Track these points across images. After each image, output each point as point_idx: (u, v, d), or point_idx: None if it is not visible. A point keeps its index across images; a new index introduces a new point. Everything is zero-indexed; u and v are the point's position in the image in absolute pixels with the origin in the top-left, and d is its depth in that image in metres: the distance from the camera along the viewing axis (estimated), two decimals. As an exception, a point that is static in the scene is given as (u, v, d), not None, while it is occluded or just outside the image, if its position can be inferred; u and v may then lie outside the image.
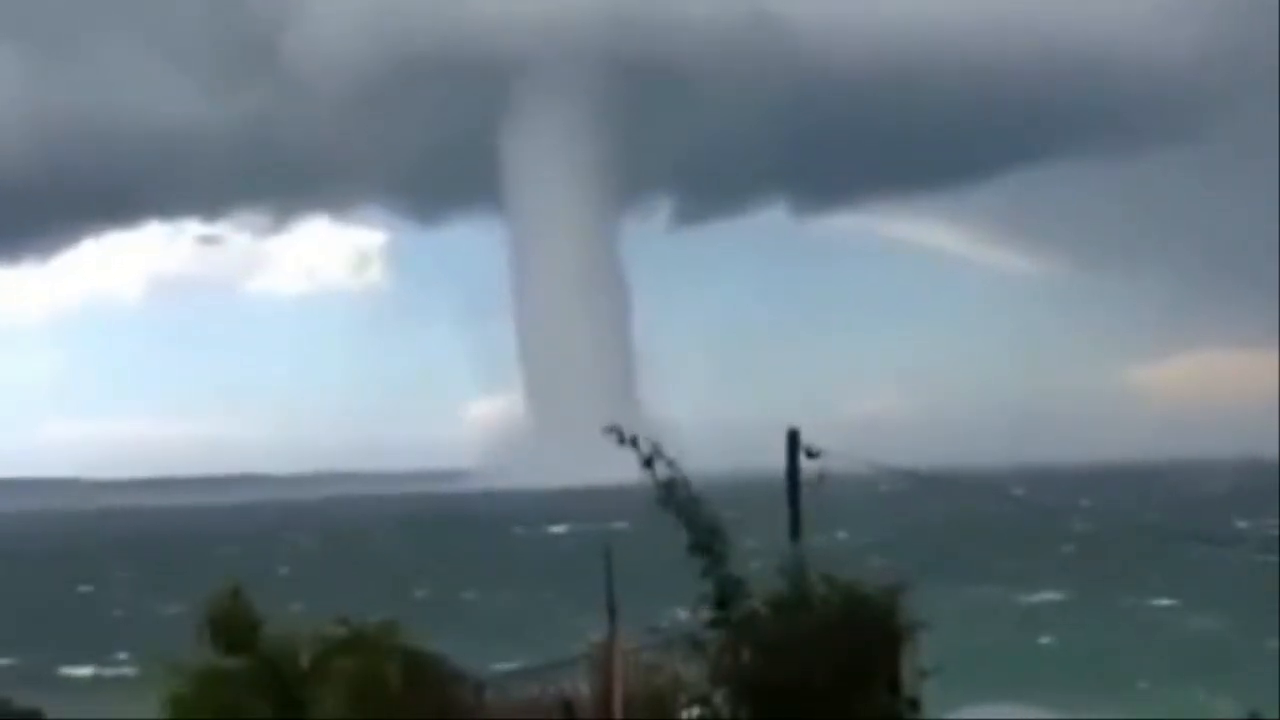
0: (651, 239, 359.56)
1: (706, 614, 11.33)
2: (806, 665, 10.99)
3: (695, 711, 11.67)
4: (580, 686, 12.88)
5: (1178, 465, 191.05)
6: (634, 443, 11.12)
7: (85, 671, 47.54)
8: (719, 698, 11.31)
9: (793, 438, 12.65)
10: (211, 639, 11.39)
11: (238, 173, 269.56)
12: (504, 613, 56.72)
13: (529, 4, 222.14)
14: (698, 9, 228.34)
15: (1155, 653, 42.84)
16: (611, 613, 12.43)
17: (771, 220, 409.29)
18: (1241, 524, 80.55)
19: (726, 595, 11.22)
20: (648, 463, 11.22)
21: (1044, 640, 47.40)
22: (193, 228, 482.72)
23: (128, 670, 44.13)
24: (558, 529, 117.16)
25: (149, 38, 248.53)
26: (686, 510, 11.30)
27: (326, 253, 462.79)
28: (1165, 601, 54.68)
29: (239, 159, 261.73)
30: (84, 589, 78.97)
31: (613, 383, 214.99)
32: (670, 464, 11.36)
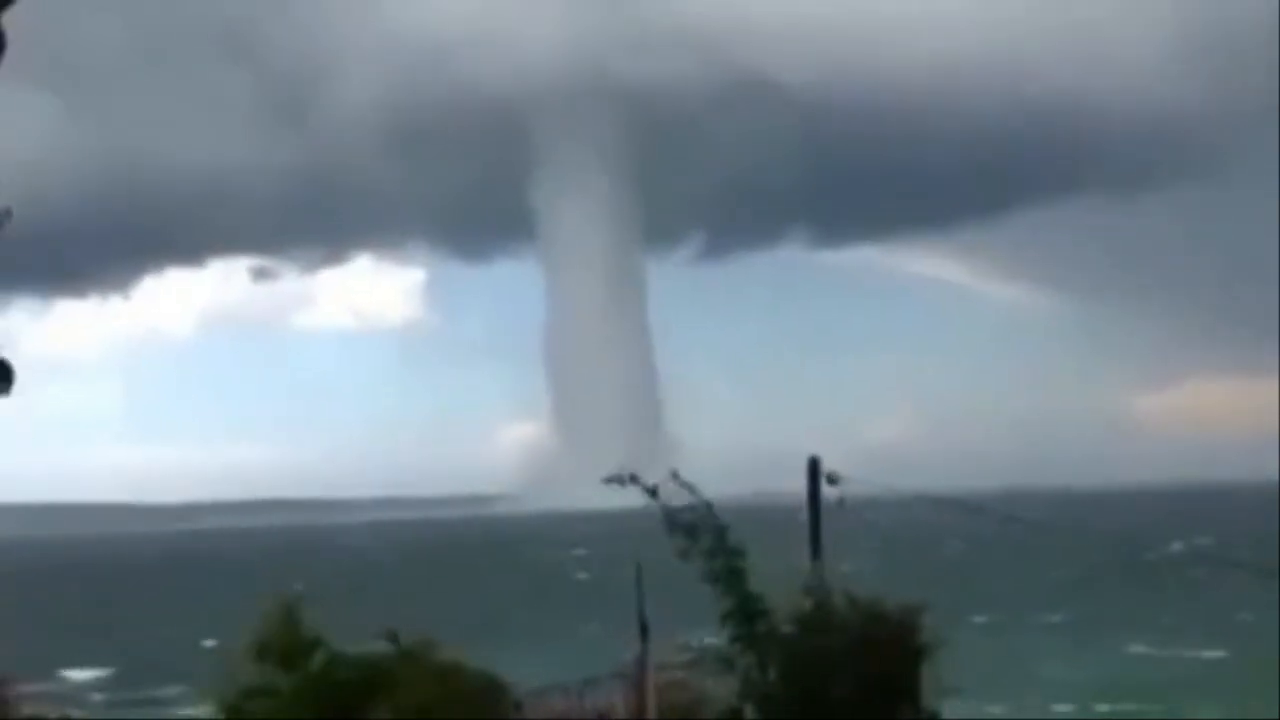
0: (678, 273, 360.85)
1: (731, 631, 11.23)
2: (830, 681, 10.86)
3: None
4: (614, 702, 12.77)
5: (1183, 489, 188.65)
6: (633, 480, 11.21)
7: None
8: (747, 712, 11.18)
9: (814, 464, 12.58)
10: (263, 656, 11.25)
11: (286, 215, 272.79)
12: (528, 630, 56.39)
13: (562, 50, 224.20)
14: (722, 54, 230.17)
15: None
16: (643, 630, 12.33)
17: (793, 255, 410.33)
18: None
19: (749, 611, 11.12)
20: (652, 493, 11.25)
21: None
22: (245, 266, 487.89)
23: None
24: (579, 551, 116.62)
25: (204, 87, 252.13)
26: (702, 532, 11.24)
27: (370, 290, 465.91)
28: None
29: (287, 202, 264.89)
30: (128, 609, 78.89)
31: (638, 411, 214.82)
32: (691, 490, 11.32)
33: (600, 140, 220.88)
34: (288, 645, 11.15)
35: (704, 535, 11.15)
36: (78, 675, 50.30)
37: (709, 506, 11.18)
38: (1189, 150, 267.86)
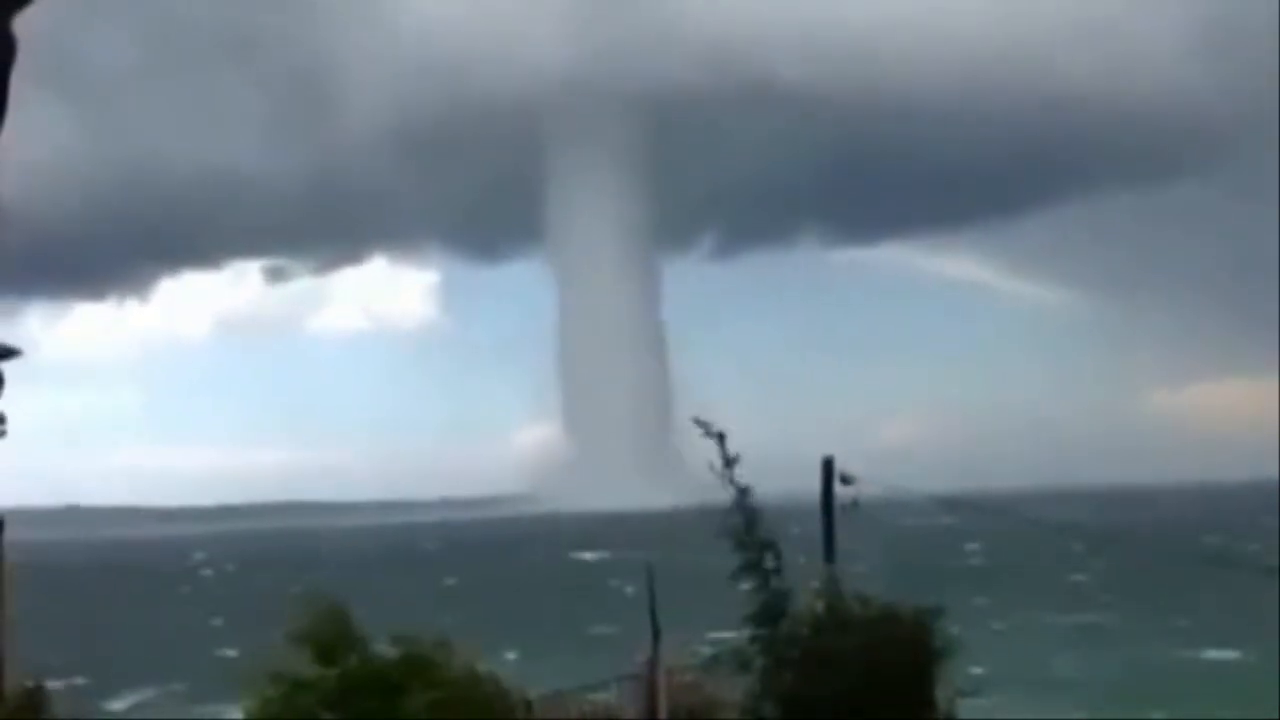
0: (690, 272, 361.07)
1: (750, 631, 11.17)
2: (843, 683, 10.83)
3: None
4: (625, 705, 12.77)
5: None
6: (721, 438, 10.98)
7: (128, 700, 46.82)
8: (764, 711, 11.15)
9: (828, 465, 12.57)
10: (305, 649, 11.22)
11: (300, 216, 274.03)
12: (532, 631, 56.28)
13: (574, 53, 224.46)
14: (734, 55, 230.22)
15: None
16: (655, 633, 12.34)
17: (807, 254, 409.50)
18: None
19: (775, 610, 11.05)
20: (729, 463, 11.12)
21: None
22: (260, 267, 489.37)
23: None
24: (588, 554, 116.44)
25: (218, 91, 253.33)
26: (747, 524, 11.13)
27: (384, 291, 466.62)
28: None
29: (301, 203, 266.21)
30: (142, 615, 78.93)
31: (651, 412, 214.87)
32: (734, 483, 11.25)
33: (612, 142, 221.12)
34: (332, 640, 11.11)
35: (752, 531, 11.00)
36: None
37: (745, 491, 11.06)
38: (1208, 148, 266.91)
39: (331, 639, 11.19)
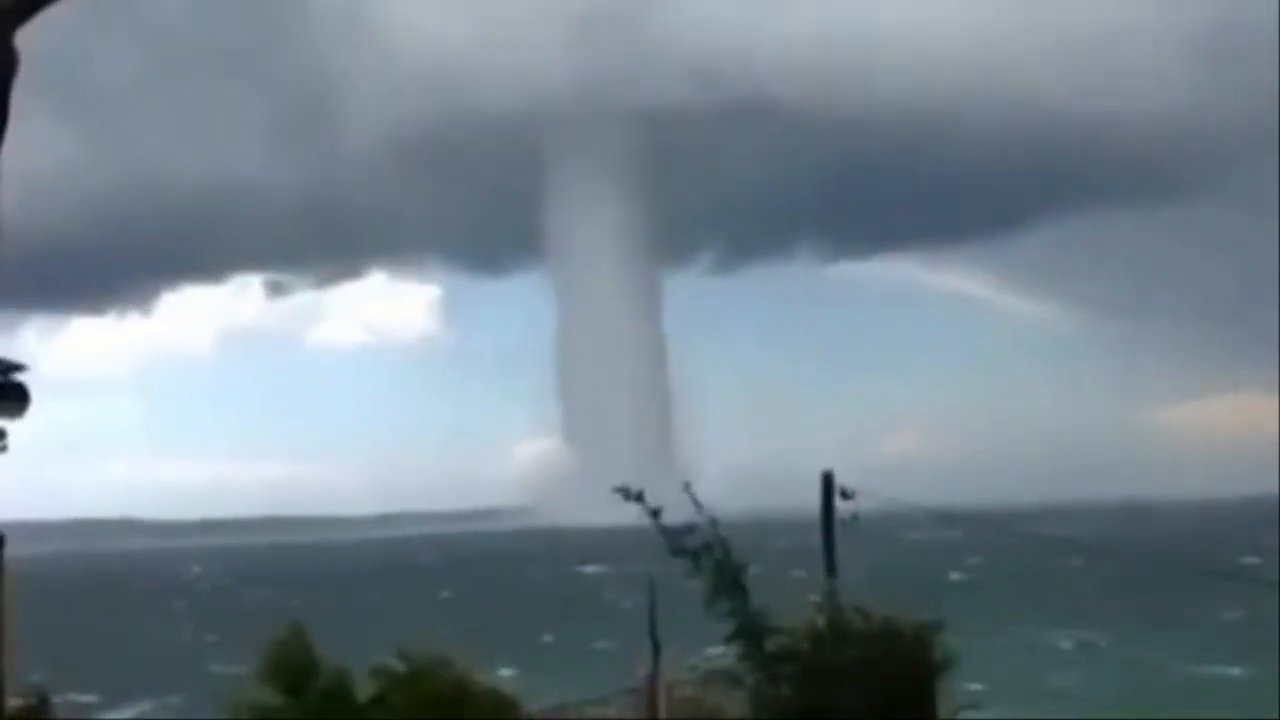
0: (691, 286, 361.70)
1: (738, 648, 11.07)
2: (843, 698, 10.78)
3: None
4: (625, 718, 12.73)
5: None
6: (639, 498, 10.72)
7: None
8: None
9: (828, 479, 12.56)
10: (269, 680, 11.16)
11: (301, 231, 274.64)
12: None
13: (573, 62, 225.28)
14: (734, 65, 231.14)
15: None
16: (655, 647, 12.31)
17: (806, 268, 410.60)
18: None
19: (752, 630, 10.94)
20: (654, 514, 10.82)
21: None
22: (261, 282, 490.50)
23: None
24: (589, 567, 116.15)
25: (219, 106, 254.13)
26: (704, 555, 10.90)
27: (384, 305, 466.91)
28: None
29: (302, 218, 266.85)
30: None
31: (650, 426, 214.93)
32: (698, 506, 11.00)
33: (612, 155, 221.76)
34: (296, 669, 11.03)
35: (707, 556, 10.75)
36: None
37: (714, 522, 10.91)
38: (1209, 162, 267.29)
39: (298, 668, 11.09)
